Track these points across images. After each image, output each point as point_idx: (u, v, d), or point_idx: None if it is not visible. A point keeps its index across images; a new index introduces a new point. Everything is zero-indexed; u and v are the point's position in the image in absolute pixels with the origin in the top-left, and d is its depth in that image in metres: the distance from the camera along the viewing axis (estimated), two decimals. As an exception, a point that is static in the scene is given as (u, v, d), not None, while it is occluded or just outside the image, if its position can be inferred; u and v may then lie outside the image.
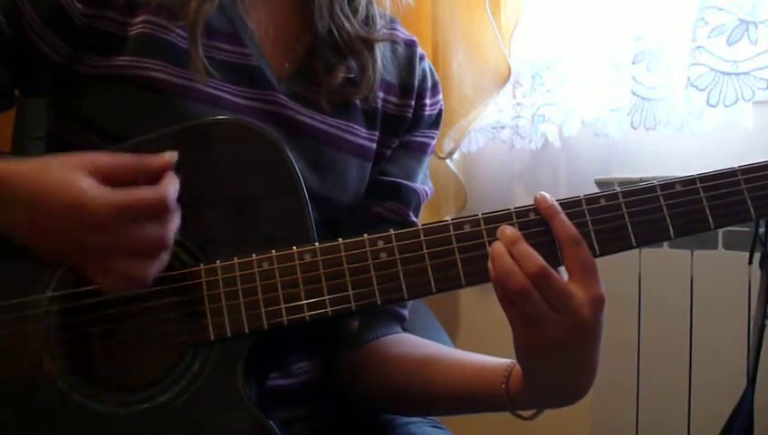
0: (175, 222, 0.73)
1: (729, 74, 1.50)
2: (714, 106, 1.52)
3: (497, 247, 0.77)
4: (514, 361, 0.83)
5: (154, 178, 0.72)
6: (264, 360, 0.87)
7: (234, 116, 0.89)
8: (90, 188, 0.70)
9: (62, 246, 0.72)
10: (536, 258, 0.75)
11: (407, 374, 0.92)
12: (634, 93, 1.65)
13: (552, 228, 0.78)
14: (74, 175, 0.70)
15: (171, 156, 0.74)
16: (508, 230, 0.78)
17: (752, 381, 0.86)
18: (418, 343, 0.97)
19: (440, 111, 1.06)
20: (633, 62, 1.65)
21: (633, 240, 0.80)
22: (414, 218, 1.01)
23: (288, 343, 0.90)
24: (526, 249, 0.76)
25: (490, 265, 0.77)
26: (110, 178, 0.71)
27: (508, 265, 0.75)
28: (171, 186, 0.72)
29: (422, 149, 1.04)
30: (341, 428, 0.99)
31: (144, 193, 0.71)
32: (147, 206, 0.71)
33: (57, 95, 0.93)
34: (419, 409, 0.97)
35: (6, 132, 1.24)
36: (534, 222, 0.80)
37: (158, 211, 0.72)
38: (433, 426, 0.99)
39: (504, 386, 0.83)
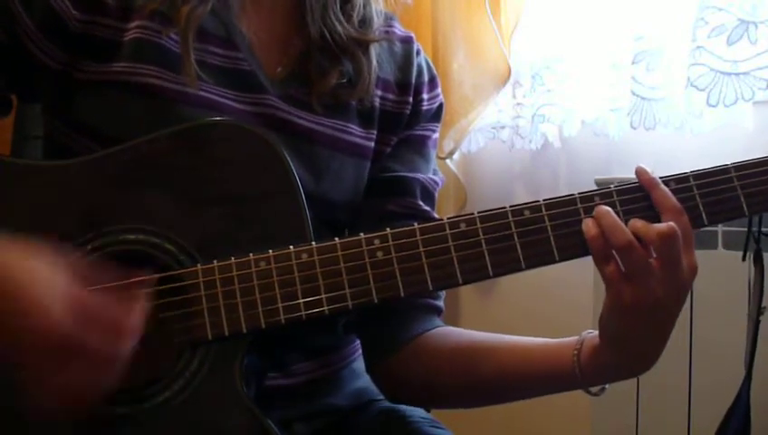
0: (132, 344, 0.72)
1: (729, 74, 1.50)
2: (714, 106, 1.52)
3: (602, 207, 0.80)
4: (583, 335, 0.85)
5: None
6: (263, 359, 0.87)
7: (230, 117, 0.89)
8: (58, 303, 0.68)
9: (12, 347, 0.69)
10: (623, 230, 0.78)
11: (471, 364, 0.93)
12: (634, 93, 1.65)
13: (653, 198, 0.81)
14: (50, 279, 0.69)
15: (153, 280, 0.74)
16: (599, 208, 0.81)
17: (747, 375, 0.87)
18: (470, 333, 0.97)
19: (440, 105, 1.06)
20: (633, 62, 1.65)
21: None
22: (426, 207, 1.00)
23: (286, 342, 0.90)
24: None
25: (588, 223, 0.80)
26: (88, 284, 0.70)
27: (615, 221, 0.79)
28: (141, 314, 0.72)
29: (423, 142, 1.04)
30: (341, 428, 0.99)
31: (113, 314, 0.70)
32: (113, 327, 0.70)
33: (53, 100, 0.93)
34: (485, 397, 0.97)
35: (6, 132, 1.24)
36: (533, 219, 0.81)
37: (121, 335, 0.71)
38: (433, 426, 0.98)
39: (575, 360, 0.84)
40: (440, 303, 1.00)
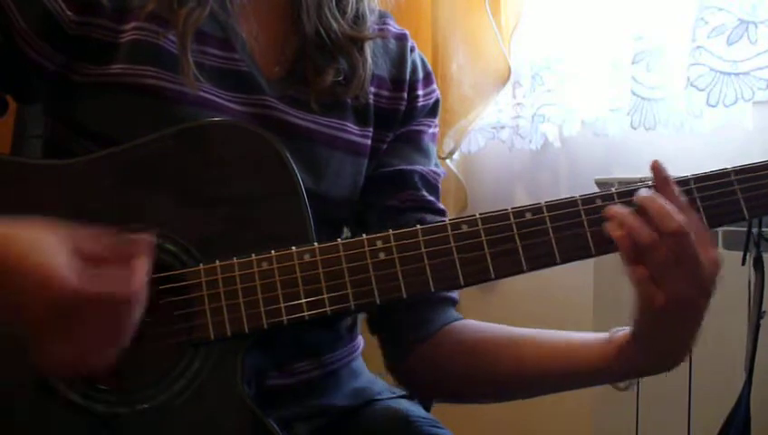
0: (140, 310, 0.71)
1: (729, 74, 1.50)
2: (713, 106, 1.52)
3: (618, 208, 0.80)
4: (612, 331, 0.86)
5: (131, 259, 0.71)
6: (263, 358, 0.87)
7: (231, 118, 0.89)
8: (64, 268, 0.68)
9: (19, 315, 0.69)
10: (673, 216, 0.78)
11: (493, 357, 0.93)
12: (634, 93, 1.65)
13: (663, 196, 0.81)
14: (52, 251, 0.68)
15: (150, 237, 0.73)
16: (641, 194, 0.81)
17: (748, 379, 0.87)
18: (492, 326, 0.97)
19: (437, 101, 1.07)
20: (633, 62, 1.65)
21: None
22: (430, 197, 1.01)
23: (287, 342, 0.90)
24: (663, 210, 0.79)
25: (611, 225, 0.80)
26: (89, 260, 0.69)
27: (638, 221, 0.79)
28: (144, 272, 0.71)
29: (419, 137, 1.04)
30: (342, 427, 0.99)
31: (118, 283, 0.69)
32: (118, 295, 0.69)
33: (51, 102, 0.93)
34: (506, 392, 0.98)
35: (6, 131, 1.24)
36: (534, 221, 0.81)
37: (127, 301, 0.70)
38: (433, 426, 0.99)
39: (604, 357, 0.85)
40: (455, 295, 1.00)
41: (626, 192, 0.83)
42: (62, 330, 0.68)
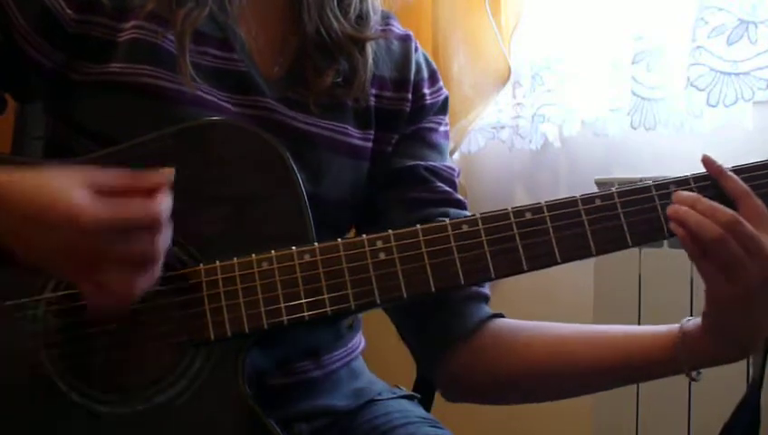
0: (165, 237, 0.73)
1: (729, 74, 1.51)
2: (714, 106, 1.52)
3: (678, 207, 0.81)
4: (683, 322, 0.87)
5: (149, 193, 0.72)
6: (264, 358, 0.87)
7: (231, 118, 0.89)
8: (83, 200, 0.69)
9: (50, 258, 0.72)
10: (725, 208, 0.79)
11: (558, 354, 0.93)
12: (634, 93, 1.65)
13: (722, 185, 0.82)
14: (70, 188, 0.70)
15: (168, 172, 0.74)
16: (685, 193, 0.82)
17: (762, 366, 0.88)
18: (549, 325, 0.97)
19: (446, 99, 1.06)
20: (633, 62, 1.65)
21: (629, 240, 0.82)
22: (447, 188, 1.00)
23: (287, 342, 0.90)
24: (711, 203, 0.80)
25: (673, 225, 0.81)
26: (106, 194, 0.71)
27: (700, 218, 0.79)
28: (164, 201, 0.72)
29: (430, 135, 1.03)
30: (341, 428, 0.99)
31: (136, 208, 0.71)
32: (138, 220, 0.71)
33: (51, 101, 0.93)
34: (572, 388, 0.97)
35: (7, 131, 1.24)
36: (535, 221, 0.81)
37: (149, 226, 0.71)
38: (433, 426, 0.99)
39: (677, 349, 0.86)
40: (486, 290, 0.99)
41: (627, 191, 0.83)
42: (96, 257, 0.70)
